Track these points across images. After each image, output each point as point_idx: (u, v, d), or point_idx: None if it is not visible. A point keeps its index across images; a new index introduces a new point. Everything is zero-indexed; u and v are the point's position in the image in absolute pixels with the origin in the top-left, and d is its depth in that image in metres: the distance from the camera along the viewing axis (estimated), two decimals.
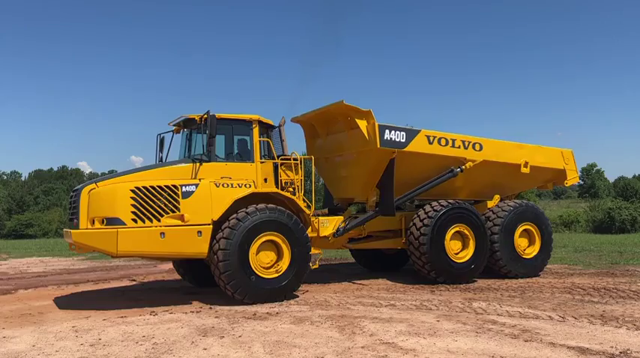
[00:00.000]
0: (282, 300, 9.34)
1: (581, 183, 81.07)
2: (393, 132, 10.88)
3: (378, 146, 10.65)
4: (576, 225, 32.77)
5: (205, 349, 6.30)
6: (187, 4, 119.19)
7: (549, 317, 7.65)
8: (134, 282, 12.74)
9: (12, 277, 14.42)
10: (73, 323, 7.92)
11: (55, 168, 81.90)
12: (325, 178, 12.97)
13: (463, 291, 10.25)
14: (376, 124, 10.67)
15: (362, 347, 6.20)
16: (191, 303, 9.42)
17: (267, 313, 8.36)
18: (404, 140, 10.98)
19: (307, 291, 10.42)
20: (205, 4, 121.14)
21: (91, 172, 78.76)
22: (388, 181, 11.14)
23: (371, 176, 11.30)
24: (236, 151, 10.03)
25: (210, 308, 8.95)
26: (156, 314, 8.53)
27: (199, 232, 9.01)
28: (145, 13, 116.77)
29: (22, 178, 79.06)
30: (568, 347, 5.99)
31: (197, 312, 8.58)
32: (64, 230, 9.74)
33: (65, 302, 9.88)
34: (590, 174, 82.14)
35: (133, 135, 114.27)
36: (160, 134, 10.60)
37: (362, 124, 10.75)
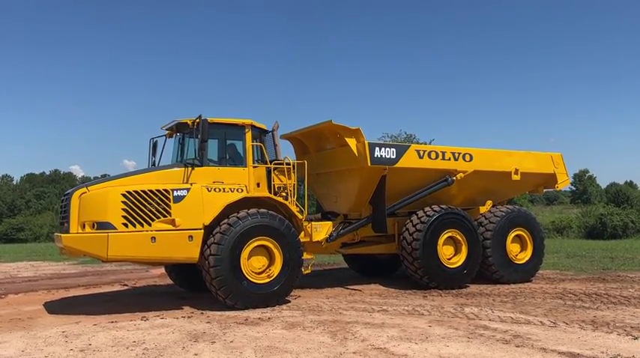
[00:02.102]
0: (275, 305, 9.30)
1: (574, 188, 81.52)
2: (383, 149, 10.92)
3: (369, 164, 10.66)
4: (568, 230, 32.91)
5: (196, 354, 6.26)
6: (180, 9, 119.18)
7: (541, 322, 7.67)
8: (125, 287, 12.67)
9: (2, 281, 14.31)
10: (63, 328, 7.85)
11: (48, 172, 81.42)
12: (317, 194, 12.96)
13: (455, 297, 10.26)
14: (366, 143, 10.68)
15: (354, 353, 6.18)
16: (182, 308, 9.37)
17: (259, 318, 8.33)
18: (394, 156, 11.01)
19: (299, 296, 10.39)
20: (198, 8, 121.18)
21: (83, 176, 78.38)
22: (380, 198, 11.17)
23: (362, 193, 11.32)
24: (228, 156, 10.00)
25: (202, 313, 8.90)
26: (147, 319, 8.47)
27: (190, 237, 8.96)
28: (138, 17, 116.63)
29: (14, 182, 78.56)
30: (559, 353, 6.00)
31: (188, 317, 8.53)
32: (55, 234, 9.69)
33: (55, 307, 9.80)
34: (583, 180, 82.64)
35: (125, 139, 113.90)
36: (152, 138, 10.58)
37: (351, 142, 10.76)
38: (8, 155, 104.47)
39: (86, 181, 12.15)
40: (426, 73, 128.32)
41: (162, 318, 8.50)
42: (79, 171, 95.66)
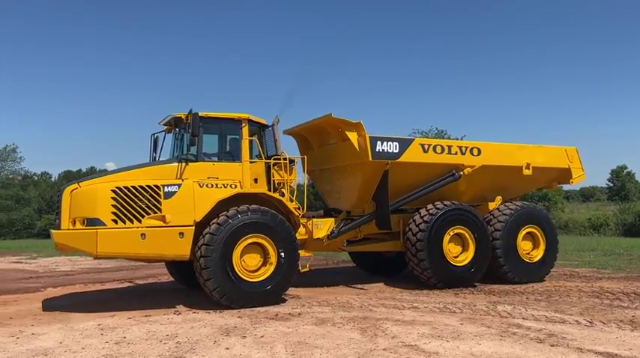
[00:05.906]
0: (272, 304, 9.09)
1: (611, 185, 79.28)
2: (385, 143, 10.60)
3: (370, 159, 10.42)
4: (605, 228, 32.07)
5: (227, 348, 6.34)
6: (185, 7, 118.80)
7: (576, 321, 7.49)
8: (159, 281, 12.90)
9: (41, 275, 14.76)
10: (99, 321, 8.05)
11: (84, 169, 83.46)
12: (320, 190, 12.81)
13: (488, 294, 10.10)
14: (367, 136, 10.42)
15: (384, 350, 6.15)
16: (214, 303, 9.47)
17: (290, 314, 8.37)
18: (397, 150, 10.71)
19: (329, 293, 10.38)
20: (202, 6, 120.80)
21: None
22: (383, 194, 10.86)
23: (365, 188, 11.06)
24: (225, 151, 9.78)
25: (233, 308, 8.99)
26: (180, 313, 8.61)
27: (181, 233, 8.76)
28: (149, 17, 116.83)
29: (52, 179, 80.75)
30: (596, 353, 5.85)
31: (220, 312, 8.63)
32: (50, 230, 9.67)
33: (91, 301, 10.04)
34: (620, 176, 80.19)
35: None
36: (153, 134, 10.46)
37: (352, 137, 10.51)
38: (47, 153, 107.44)
39: None
40: (440, 70, 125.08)
41: (195, 313, 8.63)
42: (113, 168, 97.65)
